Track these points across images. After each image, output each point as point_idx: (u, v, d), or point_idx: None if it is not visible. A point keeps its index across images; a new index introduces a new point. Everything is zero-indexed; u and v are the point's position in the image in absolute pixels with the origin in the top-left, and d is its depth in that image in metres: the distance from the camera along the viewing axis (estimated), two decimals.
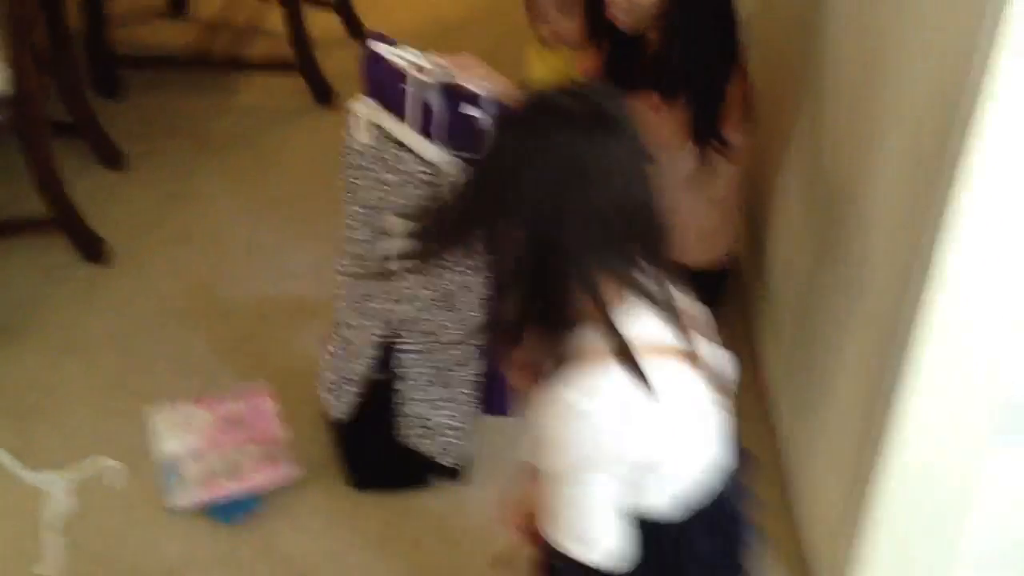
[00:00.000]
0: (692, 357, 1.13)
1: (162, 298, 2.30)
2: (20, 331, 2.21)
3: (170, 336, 2.21)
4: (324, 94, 2.89)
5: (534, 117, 1.07)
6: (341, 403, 1.89)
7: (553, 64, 2.11)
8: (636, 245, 1.09)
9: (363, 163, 1.67)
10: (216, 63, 2.96)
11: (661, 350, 1.10)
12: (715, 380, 1.17)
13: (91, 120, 2.60)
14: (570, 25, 2.04)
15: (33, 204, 2.33)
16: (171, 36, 3.13)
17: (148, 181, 2.62)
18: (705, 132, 1.85)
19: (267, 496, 1.89)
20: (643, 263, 1.09)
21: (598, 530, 1.13)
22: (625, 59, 1.94)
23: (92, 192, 2.51)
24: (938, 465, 1.50)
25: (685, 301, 1.17)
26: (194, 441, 1.94)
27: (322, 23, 3.04)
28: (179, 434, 1.95)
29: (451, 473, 1.93)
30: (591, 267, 1.06)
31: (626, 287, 1.09)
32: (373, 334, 1.80)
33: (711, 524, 1.20)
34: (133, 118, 2.81)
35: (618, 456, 1.09)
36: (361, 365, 1.84)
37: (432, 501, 1.92)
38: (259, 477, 1.89)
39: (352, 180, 1.71)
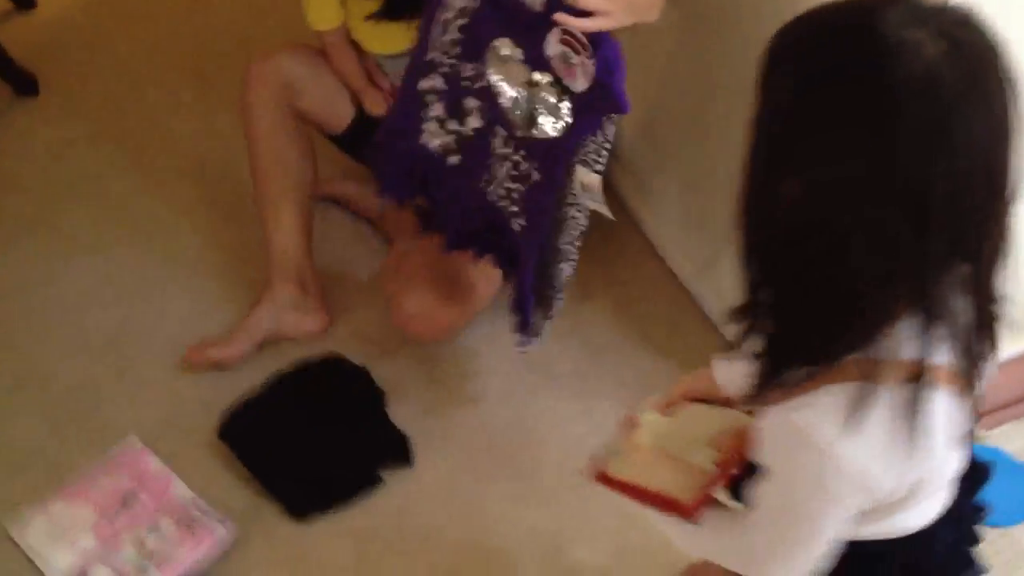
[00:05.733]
0: (963, 383, 0.90)
1: None
2: None
3: None
4: (26, 84, 2.37)
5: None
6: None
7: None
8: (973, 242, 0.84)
9: None
10: None
11: (938, 372, 0.88)
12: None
13: None
14: None
15: None
16: None
17: None
18: None
19: (209, 570, 1.58)
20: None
21: (810, 562, 0.96)
22: None
23: None
24: None
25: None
26: (88, 542, 1.57)
27: None
28: (64, 542, 1.57)
29: (401, 460, 1.71)
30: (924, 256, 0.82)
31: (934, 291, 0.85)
32: None
33: (950, 520, 1.03)
34: None
35: (865, 495, 0.90)
36: None
37: (384, 504, 1.68)
38: (189, 554, 1.57)
39: None
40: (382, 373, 1.82)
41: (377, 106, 1.92)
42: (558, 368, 1.85)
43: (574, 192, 1.43)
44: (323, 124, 1.94)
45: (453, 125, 1.55)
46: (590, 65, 1.29)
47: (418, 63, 1.52)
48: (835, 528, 0.93)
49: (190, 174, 2.20)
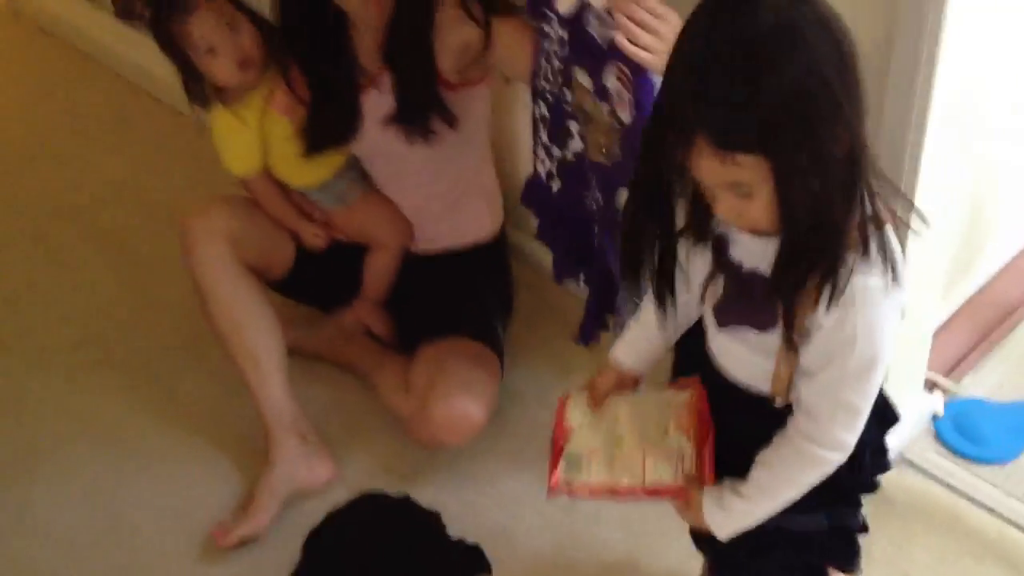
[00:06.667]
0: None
1: None
2: None
3: None
4: None
5: None
6: None
7: (244, 116, 1.79)
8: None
9: None
10: None
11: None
12: None
13: None
14: (247, 76, 1.77)
15: None
16: None
17: None
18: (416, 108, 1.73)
19: None
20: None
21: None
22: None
23: None
24: None
25: None
26: None
27: None
28: None
29: (482, 571, 1.66)
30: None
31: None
32: None
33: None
34: None
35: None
36: None
37: None
38: None
39: None
40: (418, 496, 1.77)
41: (316, 238, 1.90)
42: None
43: None
44: (266, 271, 1.89)
45: (556, 151, 1.64)
46: (630, 100, 1.39)
47: (532, 91, 1.62)
48: None
49: (95, 357, 2.09)
